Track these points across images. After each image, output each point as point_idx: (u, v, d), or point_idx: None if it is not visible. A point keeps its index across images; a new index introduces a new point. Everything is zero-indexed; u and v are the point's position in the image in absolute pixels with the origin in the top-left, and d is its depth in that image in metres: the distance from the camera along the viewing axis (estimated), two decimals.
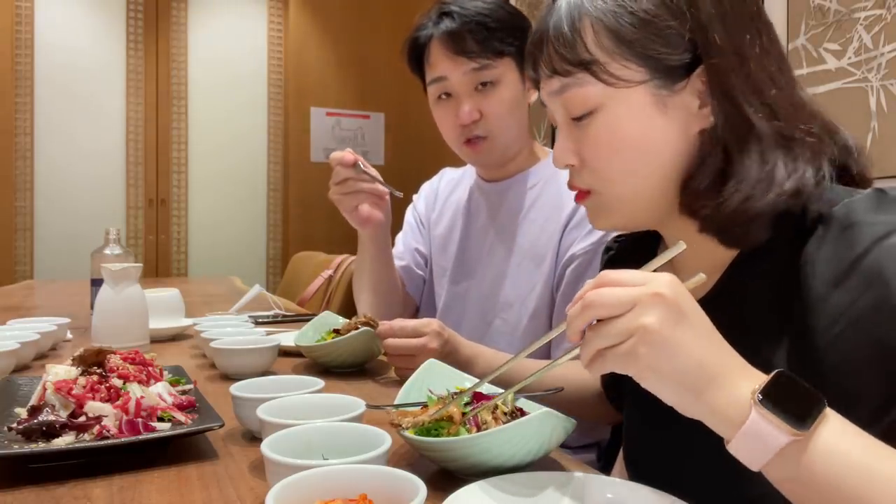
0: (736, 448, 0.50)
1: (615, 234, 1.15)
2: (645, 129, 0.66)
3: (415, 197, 1.56)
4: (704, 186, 0.65)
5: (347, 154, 1.20)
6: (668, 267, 0.76)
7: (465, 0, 1.21)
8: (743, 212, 0.62)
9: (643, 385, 0.52)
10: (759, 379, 0.51)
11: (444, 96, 1.24)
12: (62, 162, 3.83)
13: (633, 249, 0.87)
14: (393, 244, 1.43)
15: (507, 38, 1.19)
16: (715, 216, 0.64)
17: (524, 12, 1.28)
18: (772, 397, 0.48)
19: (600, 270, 0.89)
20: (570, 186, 0.74)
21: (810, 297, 0.58)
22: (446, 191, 1.48)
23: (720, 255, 0.69)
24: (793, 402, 0.49)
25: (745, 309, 0.65)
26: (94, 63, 3.90)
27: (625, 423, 0.86)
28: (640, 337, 0.50)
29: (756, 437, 0.49)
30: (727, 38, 0.64)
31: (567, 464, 0.70)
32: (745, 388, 0.50)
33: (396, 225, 1.51)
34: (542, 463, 0.67)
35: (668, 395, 0.52)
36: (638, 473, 0.80)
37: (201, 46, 4.15)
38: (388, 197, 1.26)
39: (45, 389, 0.73)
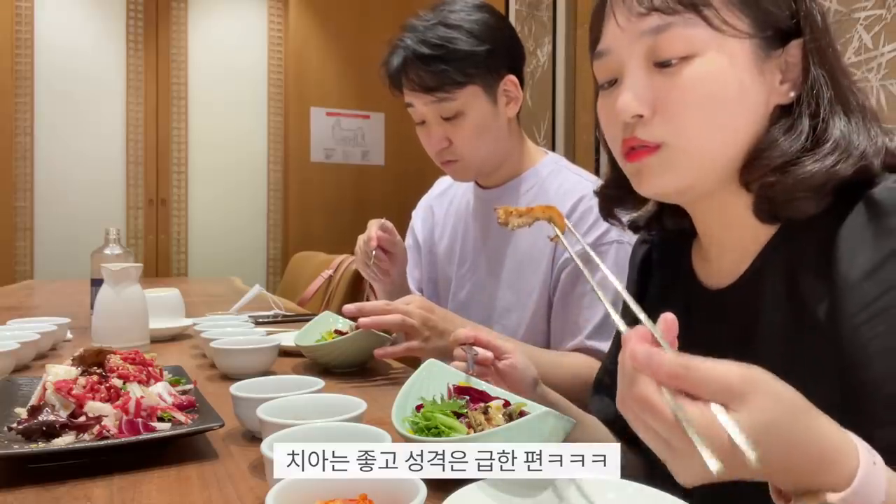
0: None
1: (612, 233, 1.16)
2: (742, 83, 0.63)
3: (413, 214, 1.57)
4: (794, 149, 0.63)
5: (373, 240, 1.26)
6: (700, 252, 0.76)
7: (424, 30, 1.18)
8: (831, 175, 0.60)
9: None
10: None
11: (420, 123, 1.26)
12: (62, 162, 3.82)
13: (666, 251, 0.83)
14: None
15: (466, 68, 1.17)
16: (784, 184, 0.62)
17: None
18: None
19: (636, 267, 0.88)
20: (628, 142, 0.67)
21: (844, 283, 0.58)
22: (443, 203, 1.49)
23: (756, 235, 0.68)
24: None
25: (778, 291, 0.64)
26: (93, 63, 3.89)
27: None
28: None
29: None
30: (819, 11, 0.64)
31: None
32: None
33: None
34: None
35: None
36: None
37: (201, 46, 4.14)
38: (396, 253, 1.31)
39: (45, 389, 0.73)
